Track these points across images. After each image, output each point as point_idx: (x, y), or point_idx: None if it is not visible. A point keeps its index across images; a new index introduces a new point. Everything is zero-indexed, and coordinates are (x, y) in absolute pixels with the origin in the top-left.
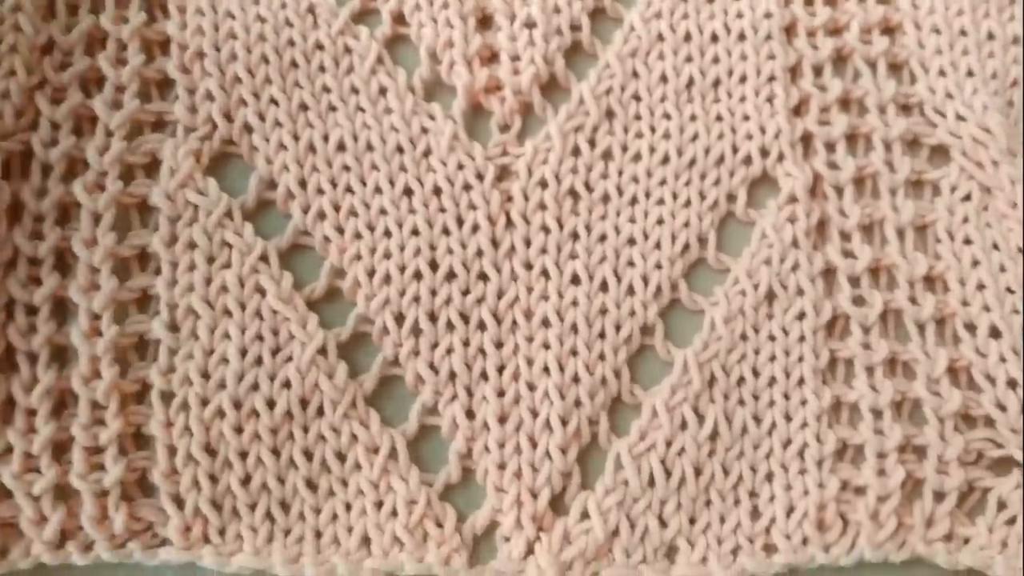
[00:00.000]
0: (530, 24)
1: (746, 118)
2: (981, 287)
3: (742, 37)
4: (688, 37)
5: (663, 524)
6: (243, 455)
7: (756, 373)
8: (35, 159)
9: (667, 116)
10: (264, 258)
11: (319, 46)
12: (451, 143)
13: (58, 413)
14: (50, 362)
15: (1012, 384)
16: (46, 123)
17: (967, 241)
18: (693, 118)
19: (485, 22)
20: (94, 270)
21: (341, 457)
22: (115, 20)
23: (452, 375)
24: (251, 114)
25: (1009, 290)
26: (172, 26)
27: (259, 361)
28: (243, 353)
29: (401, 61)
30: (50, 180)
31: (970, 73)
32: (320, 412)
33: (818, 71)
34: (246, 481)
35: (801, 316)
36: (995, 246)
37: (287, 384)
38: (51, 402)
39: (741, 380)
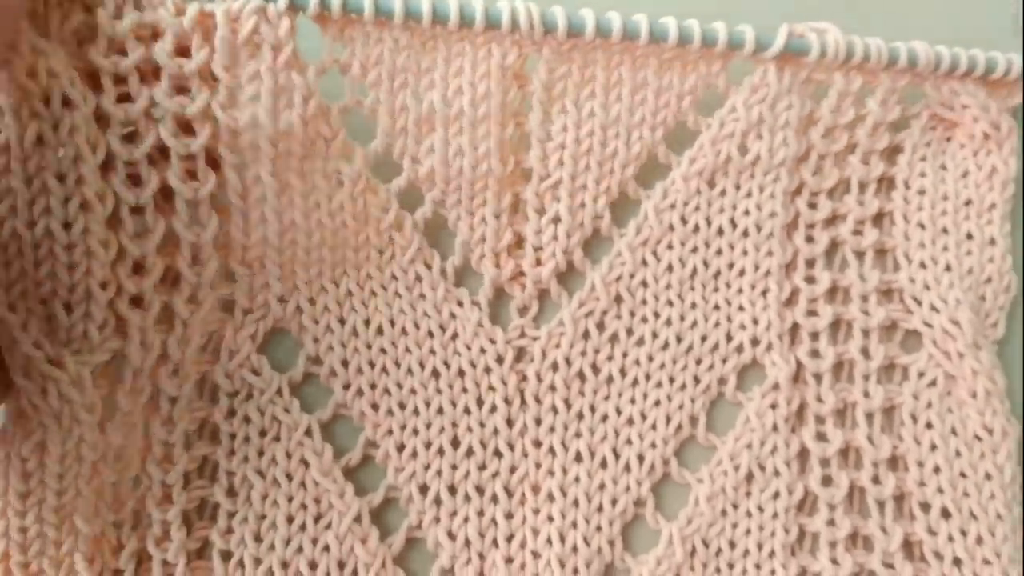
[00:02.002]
0: (556, 219)
1: (741, 309)
2: (937, 470)
3: (746, 233)
4: (696, 229)
5: None
6: None
7: (732, 545)
8: (128, 363)
9: (670, 303)
10: (308, 433)
11: (368, 239)
12: (475, 329)
13: (138, 569)
14: (133, 528)
15: (957, 562)
16: (136, 331)
17: (928, 425)
18: (693, 306)
19: (516, 207)
20: (168, 445)
21: None
22: (188, 225)
23: (467, 542)
24: (303, 299)
25: (962, 474)
26: (236, 230)
27: (303, 527)
28: (290, 520)
29: (436, 243)
30: (140, 379)
31: (948, 268)
32: (355, 573)
33: (811, 264)
34: None
35: (776, 496)
36: (953, 431)
37: (327, 548)
38: (134, 562)
39: (719, 551)
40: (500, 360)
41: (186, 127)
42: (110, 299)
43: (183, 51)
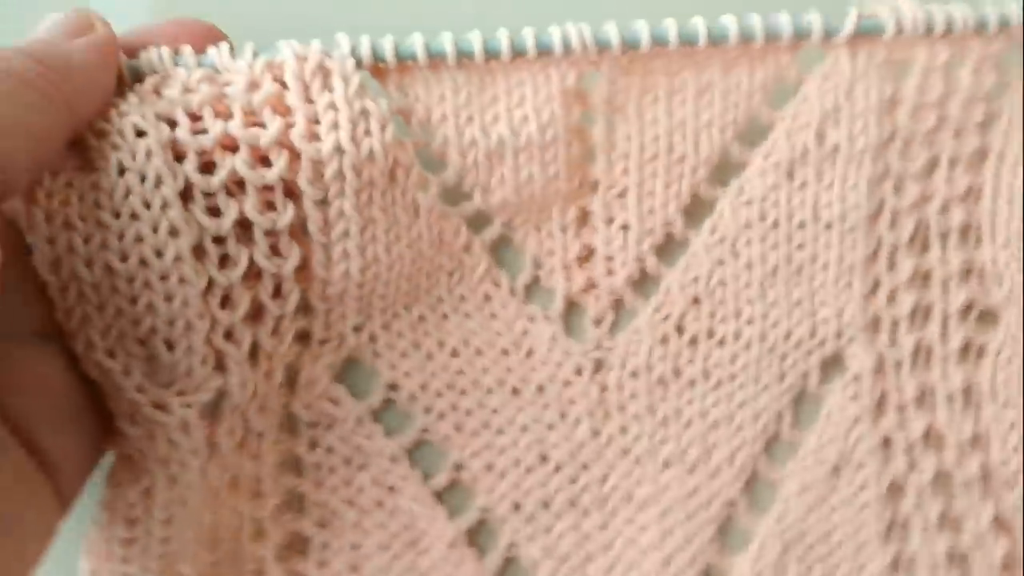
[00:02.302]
0: (625, 227)
1: (824, 303)
2: (1016, 449)
3: (829, 226)
4: (776, 224)
5: None
6: None
7: (825, 538)
8: (228, 400)
9: (751, 302)
10: (394, 459)
11: (440, 265)
12: (550, 343)
13: None
14: (229, 567)
15: None
16: (235, 365)
17: (1007, 404)
18: (775, 303)
19: (583, 219)
20: (259, 480)
21: None
22: (269, 256)
23: (565, 557)
24: (378, 327)
25: None
26: (318, 265)
27: (398, 556)
28: (384, 548)
29: (503, 262)
30: (236, 416)
31: None
32: None
33: (893, 251)
34: None
35: (863, 486)
36: None
37: (424, 575)
38: None
39: (813, 545)
40: (579, 372)
41: (263, 160)
42: (207, 333)
43: (254, 91)
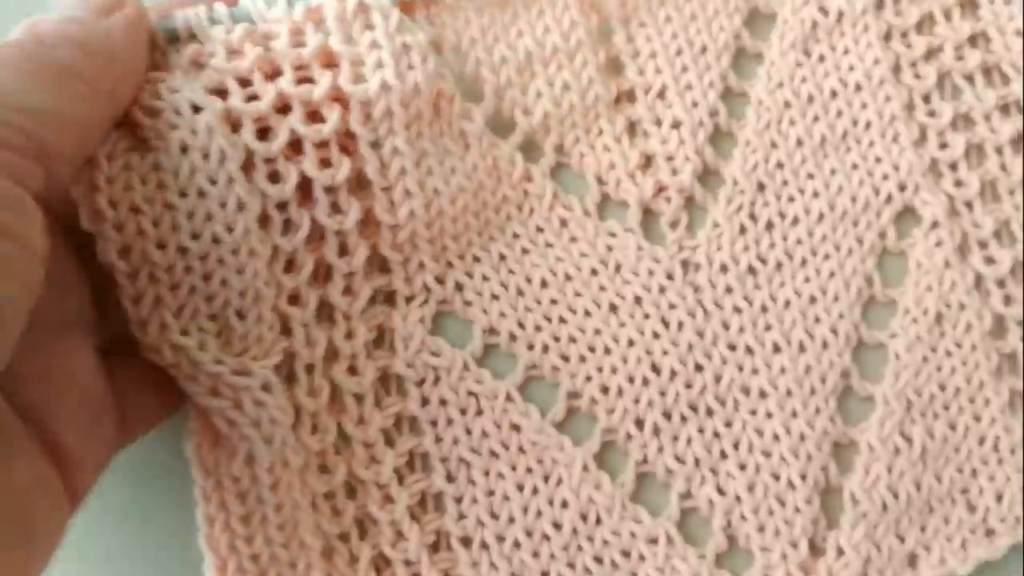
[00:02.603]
0: (676, 124)
1: (878, 160)
2: None
3: (858, 87)
4: (811, 99)
5: (901, 540)
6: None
7: (943, 388)
8: (299, 360)
9: (810, 176)
10: (509, 398)
11: (505, 197)
12: (637, 254)
13: None
14: (361, 536)
15: None
16: (299, 327)
17: None
18: (833, 172)
19: (633, 128)
20: (369, 445)
21: (626, 553)
22: (330, 214)
23: (697, 461)
24: (461, 275)
25: None
26: (381, 211)
27: (536, 491)
28: (520, 488)
29: (568, 188)
30: (315, 376)
31: None
32: (599, 520)
33: (927, 99)
34: None
35: (968, 328)
36: None
37: (565, 504)
38: (374, 569)
39: (932, 397)
40: (671, 276)
41: (314, 115)
42: (274, 300)
43: (299, 44)
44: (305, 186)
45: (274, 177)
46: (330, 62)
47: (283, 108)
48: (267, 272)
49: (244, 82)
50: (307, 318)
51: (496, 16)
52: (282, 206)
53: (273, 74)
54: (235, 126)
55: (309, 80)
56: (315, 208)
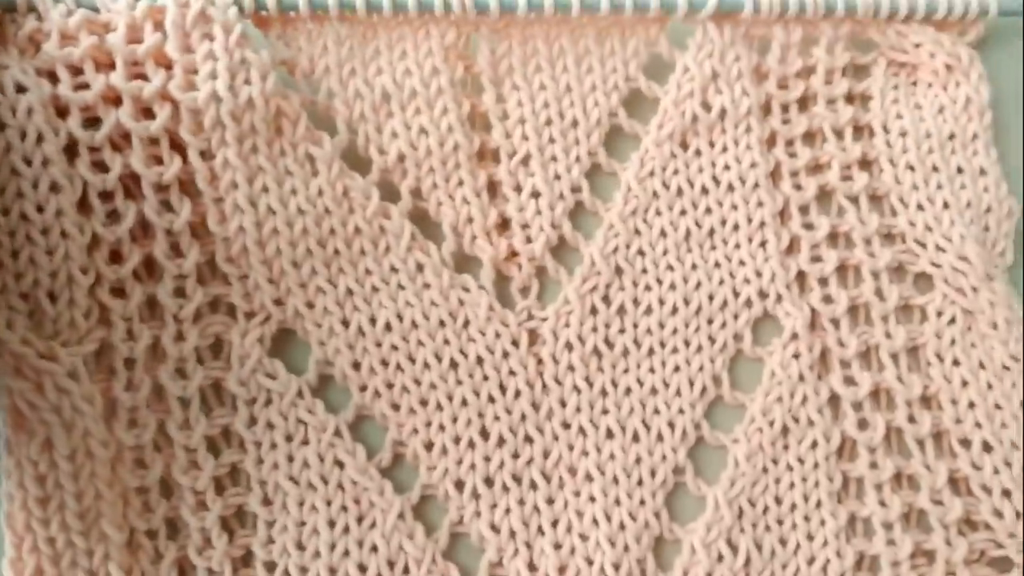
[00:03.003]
0: (535, 193)
1: (742, 263)
2: (972, 405)
3: (731, 187)
4: (680, 191)
5: None
6: None
7: (779, 501)
8: (117, 353)
9: (670, 268)
10: (338, 433)
11: (357, 230)
12: (488, 313)
13: None
14: (169, 536)
15: (1007, 493)
16: (120, 320)
17: (955, 362)
18: (694, 267)
19: (493, 188)
20: (190, 451)
21: None
22: (159, 212)
23: (512, 533)
24: (300, 303)
25: (997, 406)
26: (212, 221)
27: (347, 530)
28: (331, 524)
29: (423, 233)
30: (135, 372)
31: (946, 205)
32: (406, 570)
33: (804, 211)
34: None
35: (814, 445)
36: (981, 365)
37: (375, 549)
38: (176, 571)
39: (766, 509)
40: (516, 343)
41: (148, 112)
42: (91, 287)
43: (136, 41)
44: (134, 179)
45: (99, 166)
46: (166, 63)
47: (115, 100)
48: (84, 258)
49: (75, 70)
50: (130, 312)
51: (356, 49)
52: (106, 196)
53: (107, 65)
54: (63, 112)
55: (143, 76)
56: (143, 204)
